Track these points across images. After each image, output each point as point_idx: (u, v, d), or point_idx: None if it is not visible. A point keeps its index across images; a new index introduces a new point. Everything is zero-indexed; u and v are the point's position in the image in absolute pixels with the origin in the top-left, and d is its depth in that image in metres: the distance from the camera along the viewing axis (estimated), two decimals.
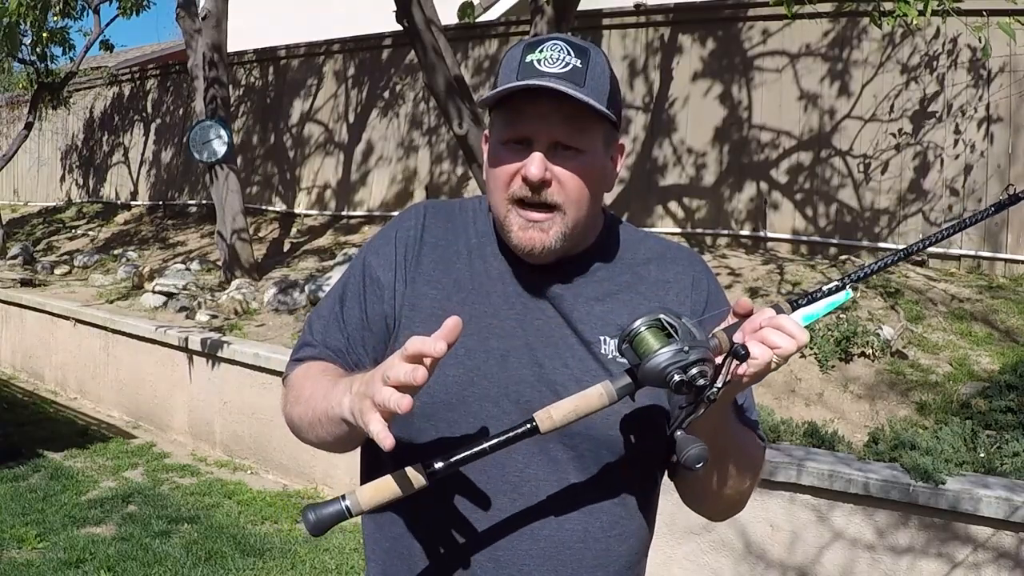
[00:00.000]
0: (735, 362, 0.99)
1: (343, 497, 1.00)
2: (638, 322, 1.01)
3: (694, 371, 0.96)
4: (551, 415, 1.01)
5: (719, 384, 0.98)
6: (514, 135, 1.11)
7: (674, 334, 0.99)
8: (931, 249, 5.18)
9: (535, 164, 1.08)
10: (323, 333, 1.23)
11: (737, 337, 1.02)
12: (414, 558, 1.16)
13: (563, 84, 1.06)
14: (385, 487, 1.01)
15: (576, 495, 1.13)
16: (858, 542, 3.22)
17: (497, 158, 1.13)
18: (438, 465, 1.00)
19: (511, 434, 1.00)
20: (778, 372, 4.08)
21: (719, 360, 1.00)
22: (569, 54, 1.09)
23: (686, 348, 0.97)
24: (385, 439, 0.93)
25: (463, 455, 1.00)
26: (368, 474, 1.19)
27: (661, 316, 1.00)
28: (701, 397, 0.98)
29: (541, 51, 1.10)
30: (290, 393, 1.22)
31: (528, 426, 1.00)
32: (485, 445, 1.00)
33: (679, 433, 1.01)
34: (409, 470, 1.00)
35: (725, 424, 1.12)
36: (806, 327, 1.05)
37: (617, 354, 1.11)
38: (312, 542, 4.02)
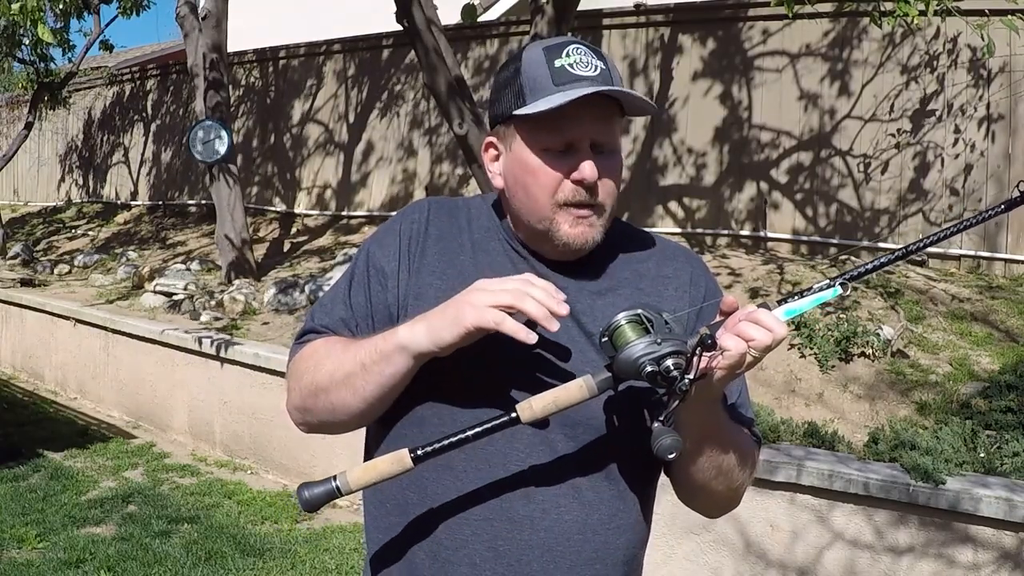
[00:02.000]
0: (708, 354, 1.01)
1: (335, 477, 1.07)
2: (618, 317, 1.04)
3: (668, 363, 0.99)
4: (532, 406, 1.05)
5: (690, 376, 0.99)
6: (562, 141, 1.13)
7: (651, 328, 1.01)
8: (931, 249, 5.19)
9: (590, 167, 1.12)
10: (327, 319, 1.24)
11: (718, 333, 1.04)
12: (412, 547, 1.17)
13: (605, 87, 1.11)
14: (373, 468, 1.08)
15: (576, 487, 1.15)
16: (858, 542, 3.22)
17: (540, 165, 1.14)
18: (422, 450, 1.06)
19: (494, 423, 1.06)
20: (778, 372, 4.09)
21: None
22: (594, 57, 1.14)
23: (659, 340, 1.00)
24: (529, 335, 1.03)
25: (446, 442, 1.06)
26: (371, 455, 1.22)
27: (640, 311, 1.03)
28: (673, 388, 0.99)
29: (568, 55, 1.13)
30: (306, 363, 1.20)
31: (510, 416, 1.05)
32: (468, 433, 1.05)
33: (655, 424, 1.03)
34: (395, 454, 1.06)
35: (714, 419, 1.14)
36: (789, 320, 1.07)
37: None
38: (312, 542, 4.02)
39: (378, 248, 1.24)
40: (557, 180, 1.13)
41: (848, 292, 1.09)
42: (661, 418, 1.03)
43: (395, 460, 1.06)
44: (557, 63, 1.12)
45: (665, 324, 1.02)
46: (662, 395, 1.03)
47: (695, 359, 1.00)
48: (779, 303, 1.08)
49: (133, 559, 3.70)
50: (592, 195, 1.13)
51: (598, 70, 1.12)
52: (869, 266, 1.14)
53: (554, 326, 1.03)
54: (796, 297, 1.09)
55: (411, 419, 1.17)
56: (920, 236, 5.44)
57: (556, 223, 1.15)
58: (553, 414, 1.06)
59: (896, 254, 1.15)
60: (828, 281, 1.10)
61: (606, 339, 1.04)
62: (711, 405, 1.11)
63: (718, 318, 1.07)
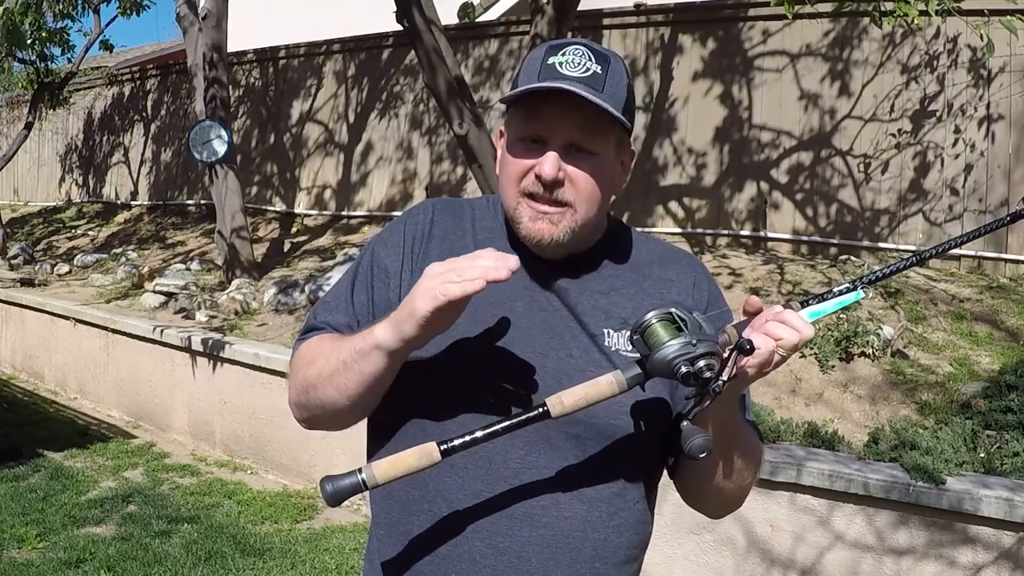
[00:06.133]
0: (740, 356, 1.01)
1: (360, 470, 1.05)
2: (650, 315, 1.04)
3: (701, 364, 0.99)
4: (562, 400, 1.05)
5: (725, 377, 1.00)
6: (530, 133, 1.15)
7: (684, 327, 1.02)
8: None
9: (549, 163, 1.12)
10: (330, 316, 1.25)
11: (746, 333, 1.05)
12: (414, 543, 1.18)
13: (582, 88, 1.10)
14: (400, 462, 1.05)
15: (576, 484, 1.15)
16: (860, 542, 3.22)
17: (512, 153, 1.17)
18: (452, 443, 1.04)
19: (523, 417, 1.05)
20: (778, 372, 4.08)
21: (726, 354, 1.03)
22: (590, 60, 1.13)
23: (694, 341, 1.00)
24: (475, 283, 1.00)
25: (476, 435, 1.04)
26: (373, 455, 1.22)
27: (672, 310, 1.04)
28: (707, 389, 1.00)
29: (564, 54, 1.14)
30: (301, 360, 1.22)
31: (540, 410, 1.05)
32: (498, 427, 1.04)
33: (685, 423, 1.04)
34: (423, 447, 1.05)
35: (732, 418, 1.15)
36: (814, 322, 1.08)
37: (620, 347, 1.15)
38: (312, 542, 4.02)
39: (382, 247, 1.25)
40: (523, 170, 1.14)
41: (869, 296, 1.11)
42: (690, 418, 1.04)
43: (423, 454, 1.05)
44: (551, 60, 1.13)
45: (698, 323, 1.03)
46: (692, 395, 1.04)
47: (729, 360, 1.01)
48: (802, 305, 1.09)
49: (133, 559, 3.70)
50: (550, 191, 1.13)
51: (588, 72, 1.12)
52: (888, 269, 1.14)
53: (505, 274, 1.02)
54: (818, 299, 1.10)
55: (413, 417, 1.18)
56: (921, 236, 5.45)
57: (519, 213, 1.16)
58: (583, 409, 1.05)
59: (912, 258, 1.16)
60: (849, 284, 1.11)
61: (637, 336, 1.04)
62: (731, 404, 1.12)
63: (743, 318, 1.09)
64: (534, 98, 1.13)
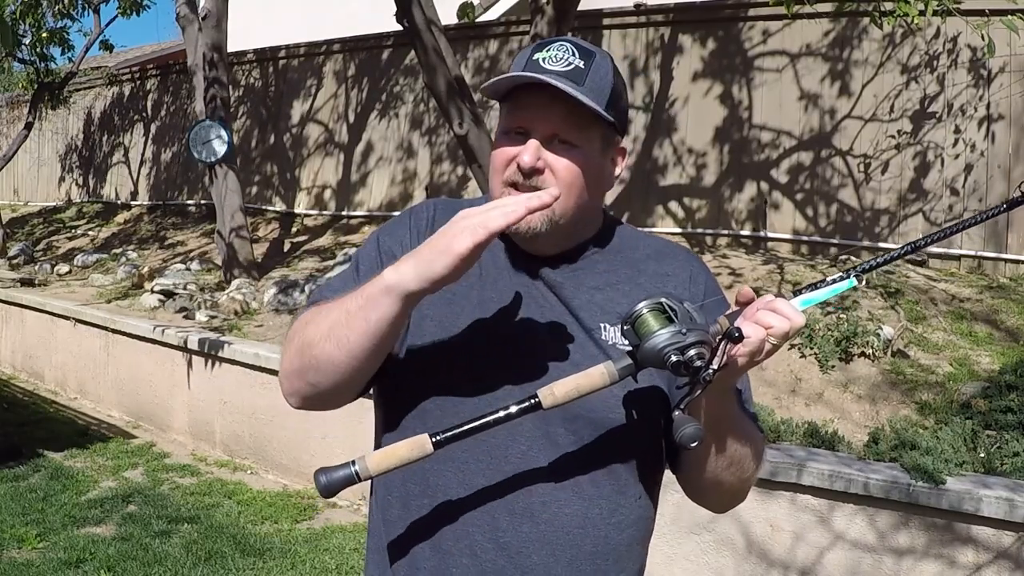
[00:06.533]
0: (731, 345, 1.02)
1: (353, 462, 1.05)
2: (640, 305, 1.04)
3: (691, 352, 0.99)
4: (554, 392, 1.05)
5: (715, 366, 1.00)
6: (514, 125, 1.17)
7: (674, 317, 1.02)
8: (932, 248, 5.19)
9: (528, 152, 1.13)
10: (333, 295, 1.19)
11: (738, 323, 1.05)
12: (413, 537, 1.18)
13: (560, 81, 1.11)
14: (393, 453, 1.06)
15: (576, 480, 1.15)
16: (860, 542, 3.22)
17: (498, 144, 1.18)
18: (443, 435, 1.05)
19: (515, 409, 1.05)
20: (778, 372, 4.09)
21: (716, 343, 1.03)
22: (573, 55, 1.14)
23: (684, 330, 1.00)
24: (516, 210, 1.02)
25: (467, 427, 1.05)
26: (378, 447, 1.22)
27: (663, 300, 1.04)
28: (698, 378, 1.00)
29: (548, 50, 1.15)
30: (299, 324, 1.18)
31: (531, 401, 1.05)
32: (489, 418, 1.05)
33: (676, 413, 1.04)
34: (416, 439, 1.06)
35: (728, 409, 1.15)
36: (805, 310, 1.08)
37: (617, 341, 1.15)
38: (312, 542, 4.02)
39: (387, 237, 1.26)
40: (506, 159, 1.16)
41: (863, 284, 1.11)
42: (682, 407, 1.04)
43: (415, 445, 1.05)
44: (536, 56, 1.15)
45: (688, 313, 1.03)
46: (683, 384, 1.04)
47: (719, 349, 1.01)
48: (795, 294, 1.10)
49: (133, 559, 3.70)
50: (528, 179, 1.14)
51: (569, 66, 1.13)
52: (883, 259, 1.16)
53: (548, 199, 1.05)
54: (811, 288, 1.11)
55: (414, 413, 1.18)
56: (921, 236, 5.44)
57: None
58: (574, 400, 1.06)
59: (907, 247, 1.18)
60: (843, 273, 1.12)
61: (628, 327, 1.04)
62: (726, 394, 1.12)
63: (734, 308, 1.09)
64: (519, 91, 1.14)
